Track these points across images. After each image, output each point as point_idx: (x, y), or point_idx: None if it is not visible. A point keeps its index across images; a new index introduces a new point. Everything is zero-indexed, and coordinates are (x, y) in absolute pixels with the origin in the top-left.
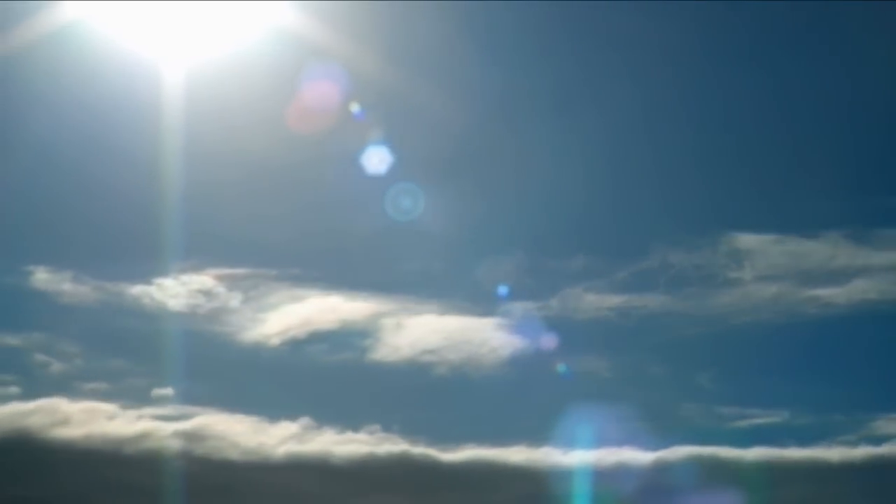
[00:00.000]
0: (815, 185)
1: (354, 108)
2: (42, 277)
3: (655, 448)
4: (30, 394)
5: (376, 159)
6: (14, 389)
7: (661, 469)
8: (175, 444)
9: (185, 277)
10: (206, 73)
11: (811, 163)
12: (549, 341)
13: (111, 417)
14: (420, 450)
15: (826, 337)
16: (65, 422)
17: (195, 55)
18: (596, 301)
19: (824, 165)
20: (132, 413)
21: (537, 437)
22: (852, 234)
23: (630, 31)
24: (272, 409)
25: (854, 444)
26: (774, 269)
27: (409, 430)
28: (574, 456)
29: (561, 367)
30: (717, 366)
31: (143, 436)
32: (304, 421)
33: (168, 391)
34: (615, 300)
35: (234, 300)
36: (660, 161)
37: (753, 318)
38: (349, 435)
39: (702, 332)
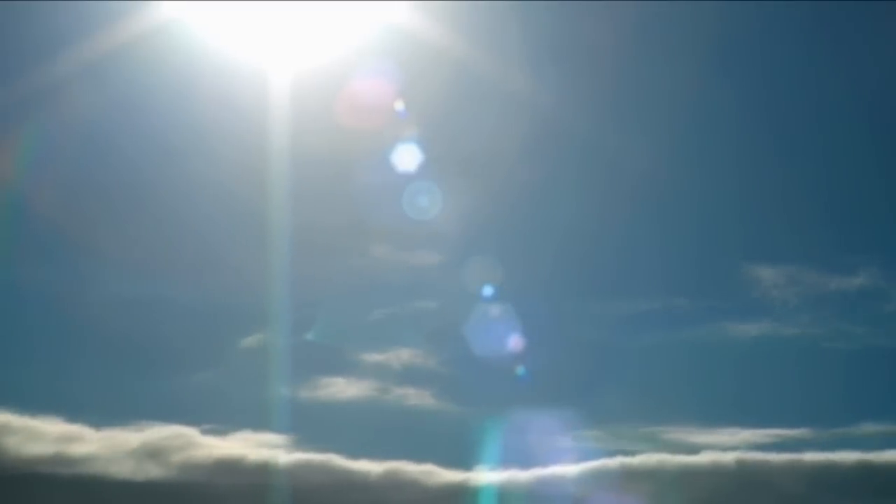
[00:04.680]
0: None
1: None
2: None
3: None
4: None
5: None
6: None
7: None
8: None
9: None
10: (315, 75)
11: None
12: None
13: None
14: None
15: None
16: None
17: (303, 55)
18: (596, 328)
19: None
20: None
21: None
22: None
23: (647, 65)
24: None
25: None
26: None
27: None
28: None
29: (520, 370)
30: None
31: None
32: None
33: None
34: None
35: None
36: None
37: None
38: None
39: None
